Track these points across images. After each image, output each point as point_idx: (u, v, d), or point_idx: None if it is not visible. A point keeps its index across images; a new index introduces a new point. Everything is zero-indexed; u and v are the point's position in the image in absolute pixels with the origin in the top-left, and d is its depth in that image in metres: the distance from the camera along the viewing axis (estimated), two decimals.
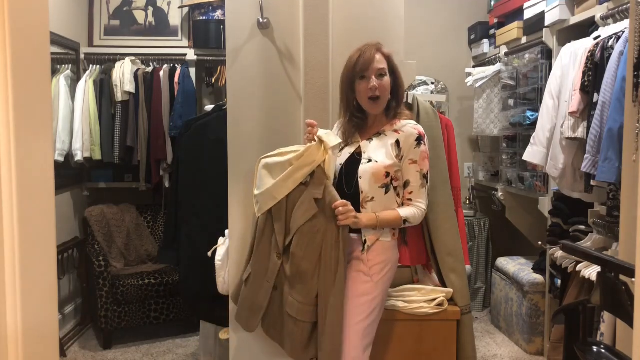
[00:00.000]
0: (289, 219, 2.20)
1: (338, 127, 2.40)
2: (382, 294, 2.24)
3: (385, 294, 2.28)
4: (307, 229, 2.14)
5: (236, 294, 2.44)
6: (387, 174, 2.19)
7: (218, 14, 4.25)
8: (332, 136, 2.15)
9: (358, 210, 2.17)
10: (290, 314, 2.18)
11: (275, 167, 2.25)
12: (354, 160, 2.23)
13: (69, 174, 4.08)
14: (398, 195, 2.22)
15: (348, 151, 2.27)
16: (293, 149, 2.23)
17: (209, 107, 3.34)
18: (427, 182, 2.23)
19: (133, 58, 4.20)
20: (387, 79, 2.20)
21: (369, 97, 2.19)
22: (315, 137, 2.14)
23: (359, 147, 2.25)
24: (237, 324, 2.52)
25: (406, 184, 2.21)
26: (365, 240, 2.19)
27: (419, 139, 2.20)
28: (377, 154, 2.20)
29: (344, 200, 2.12)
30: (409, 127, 2.23)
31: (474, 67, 4.59)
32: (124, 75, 4.05)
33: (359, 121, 2.29)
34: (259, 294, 2.26)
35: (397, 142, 2.21)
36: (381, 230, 2.20)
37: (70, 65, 4.09)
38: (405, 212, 2.18)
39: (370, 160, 2.19)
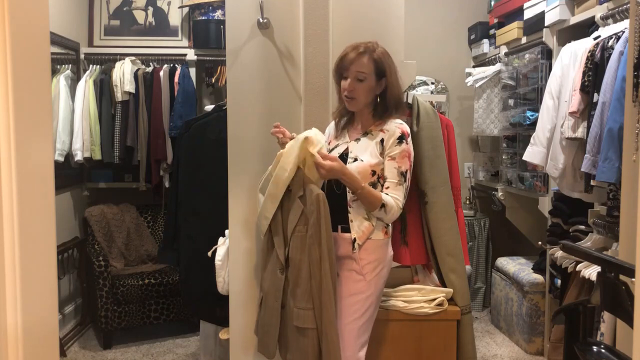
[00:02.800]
0: (286, 228, 2.21)
1: (331, 126, 2.41)
2: (376, 293, 2.23)
3: (380, 292, 2.27)
4: (298, 231, 2.16)
5: (257, 324, 2.43)
6: (374, 172, 2.20)
7: (218, 14, 4.25)
8: (318, 136, 2.17)
9: (346, 209, 2.19)
10: (297, 325, 2.15)
11: (264, 185, 2.30)
12: (342, 160, 2.23)
13: (69, 174, 4.08)
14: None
15: (337, 151, 2.28)
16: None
17: (209, 107, 3.34)
18: (404, 180, 2.20)
19: (133, 58, 4.20)
20: (365, 83, 2.20)
21: (344, 95, 2.23)
22: (288, 142, 2.20)
23: (347, 147, 2.27)
24: (236, 324, 2.52)
25: (384, 180, 2.21)
26: (355, 239, 2.18)
27: (401, 137, 2.20)
28: (363, 153, 2.22)
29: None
30: (393, 125, 2.23)
31: (474, 67, 4.59)
32: (124, 75, 4.05)
33: (349, 116, 2.33)
34: (271, 316, 2.25)
35: (382, 141, 2.22)
36: (372, 227, 2.19)
37: (70, 65, 4.09)
38: (386, 197, 2.17)
39: (356, 160, 2.21)
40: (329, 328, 2.10)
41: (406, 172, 2.20)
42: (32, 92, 1.17)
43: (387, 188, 2.19)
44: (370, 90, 2.22)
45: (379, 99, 2.26)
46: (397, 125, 2.23)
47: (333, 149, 2.30)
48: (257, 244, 2.50)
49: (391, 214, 2.17)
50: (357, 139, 2.27)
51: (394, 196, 2.17)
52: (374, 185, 2.20)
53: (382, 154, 2.21)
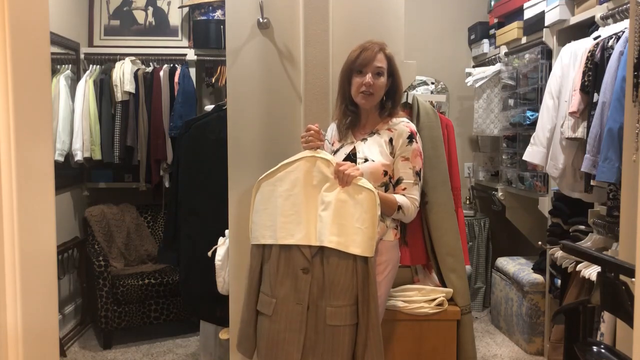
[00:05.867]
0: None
1: (332, 127, 2.40)
2: (385, 294, 2.24)
3: (387, 293, 2.28)
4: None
5: (248, 336, 2.23)
6: (385, 173, 2.19)
7: (218, 14, 4.25)
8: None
9: None
10: (333, 324, 2.05)
11: (275, 185, 2.17)
12: (350, 160, 2.22)
13: (69, 174, 4.08)
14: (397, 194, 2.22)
15: (344, 152, 2.26)
16: (291, 159, 2.16)
17: (209, 107, 3.35)
18: (419, 179, 2.22)
19: (133, 58, 4.20)
20: (383, 79, 2.21)
21: (360, 92, 2.20)
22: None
23: (354, 147, 2.25)
24: (236, 324, 2.52)
25: (399, 181, 2.20)
26: None
27: (411, 137, 2.21)
28: (373, 153, 2.21)
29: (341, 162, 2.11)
30: (401, 125, 2.23)
31: (474, 67, 4.59)
32: (124, 75, 4.05)
33: (353, 116, 2.29)
34: (292, 321, 2.09)
35: (390, 140, 2.22)
36: (385, 228, 2.20)
37: (70, 65, 4.09)
38: (400, 199, 2.17)
39: (366, 160, 2.20)
40: (376, 321, 2.05)
41: (420, 170, 2.22)
42: (32, 92, 1.17)
43: (404, 189, 2.19)
44: (384, 87, 2.23)
45: (384, 98, 2.27)
46: (405, 124, 2.23)
47: (338, 150, 2.29)
48: None
49: (409, 214, 2.20)
50: (364, 139, 2.26)
51: (410, 196, 2.19)
52: (385, 185, 2.20)
53: (392, 153, 2.21)
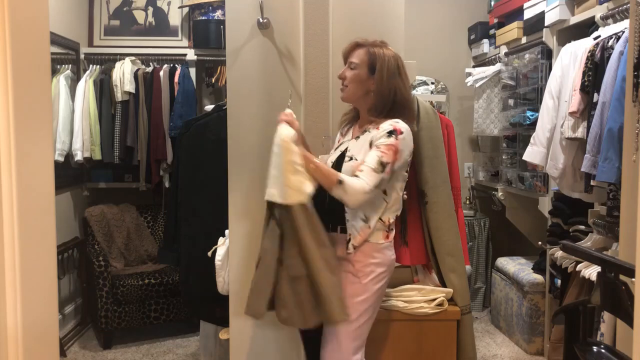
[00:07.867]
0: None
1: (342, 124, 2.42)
2: (374, 296, 2.17)
3: (379, 296, 2.21)
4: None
5: (260, 293, 2.25)
6: None
7: (218, 14, 4.25)
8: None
9: (343, 208, 2.14)
10: (292, 274, 2.05)
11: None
12: (340, 159, 2.22)
13: (69, 174, 4.08)
14: (384, 192, 2.15)
15: (339, 150, 2.28)
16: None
17: (209, 107, 3.34)
18: (382, 171, 2.06)
19: (133, 58, 4.20)
20: (357, 72, 2.20)
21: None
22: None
23: (347, 146, 2.26)
24: (236, 324, 2.52)
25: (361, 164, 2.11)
26: (350, 239, 2.15)
27: (392, 132, 2.10)
28: (359, 151, 2.19)
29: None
30: (387, 123, 2.14)
31: (474, 67, 4.59)
32: (124, 75, 4.05)
33: (353, 113, 2.34)
34: (267, 274, 2.11)
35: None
36: (369, 230, 2.15)
37: (70, 65, 4.09)
38: (346, 177, 2.06)
39: (351, 159, 2.18)
40: (317, 271, 2.02)
41: (387, 164, 2.07)
42: (32, 92, 1.17)
43: (360, 171, 2.05)
44: (360, 82, 2.18)
45: (371, 94, 2.22)
46: (391, 123, 2.13)
47: (337, 148, 2.31)
48: (257, 244, 2.49)
49: (352, 196, 2.04)
50: (357, 137, 2.26)
51: (363, 179, 2.04)
52: None
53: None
